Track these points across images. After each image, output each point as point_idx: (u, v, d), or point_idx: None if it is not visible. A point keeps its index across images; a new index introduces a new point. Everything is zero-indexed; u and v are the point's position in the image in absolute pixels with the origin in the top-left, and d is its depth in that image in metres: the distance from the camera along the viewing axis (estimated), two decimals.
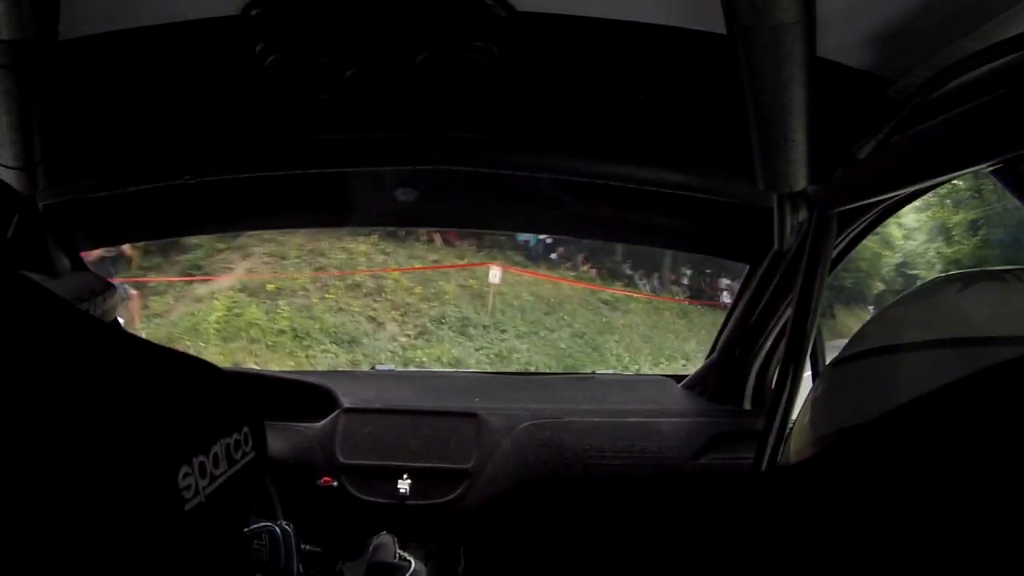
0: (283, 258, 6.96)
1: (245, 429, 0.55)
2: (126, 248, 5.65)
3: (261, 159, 1.17)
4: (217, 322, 6.13)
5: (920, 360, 0.57)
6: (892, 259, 8.83)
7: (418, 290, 7.00)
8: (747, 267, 1.35)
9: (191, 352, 0.64)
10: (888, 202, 0.96)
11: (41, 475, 0.36)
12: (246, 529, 0.77)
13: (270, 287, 6.57)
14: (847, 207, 0.95)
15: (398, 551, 1.01)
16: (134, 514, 0.40)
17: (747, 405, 1.34)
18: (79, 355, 0.45)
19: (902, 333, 0.60)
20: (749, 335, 1.30)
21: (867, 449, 0.46)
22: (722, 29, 0.71)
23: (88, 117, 1.02)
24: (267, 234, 6.43)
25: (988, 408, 0.40)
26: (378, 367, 1.62)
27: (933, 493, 0.41)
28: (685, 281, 8.99)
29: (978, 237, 7.21)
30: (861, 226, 1.06)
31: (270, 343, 6.07)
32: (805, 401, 0.71)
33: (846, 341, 0.67)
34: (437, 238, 7.61)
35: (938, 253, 7.94)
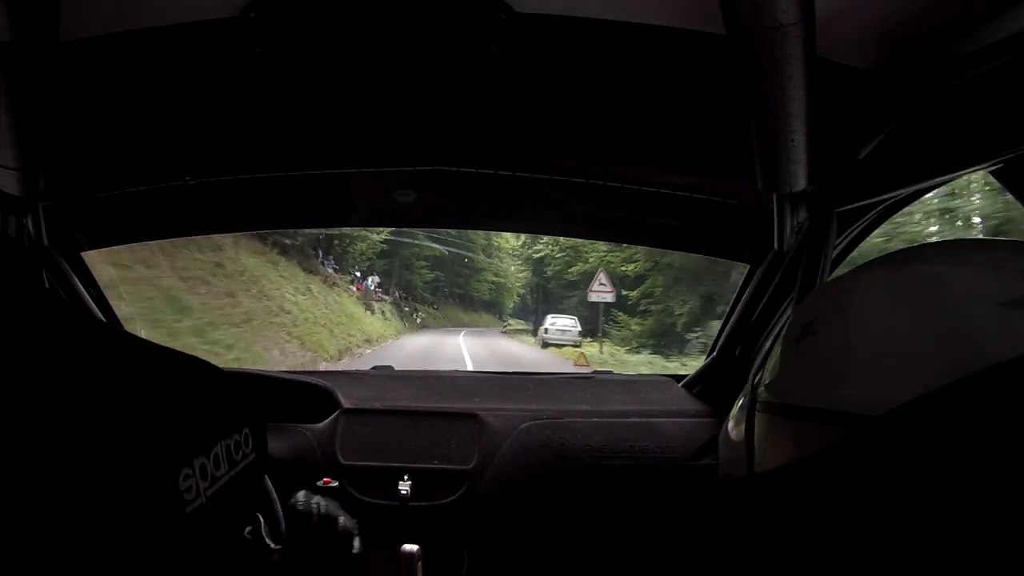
0: None
1: (245, 430, 0.55)
2: None
3: (260, 160, 1.17)
4: None
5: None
6: None
7: None
8: (747, 267, 1.35)
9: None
10: (888, 202, 0.96)
11: (42, 477, 0.36)
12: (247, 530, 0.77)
13: None
14: (847, 207, 0.95)
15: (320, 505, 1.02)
16: (135, 516, 0.40)
17: None
18: (80, 356, 0.45)
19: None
20: (749, 335, 1.30)
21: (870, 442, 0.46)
22: (722, 30, 0.71)
23: (88, 118, 1.02)
24: None
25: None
26: (378, 367, 1.61)
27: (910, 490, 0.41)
28: None
29: None
30: (861, 226, 1.06)
31: None
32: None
33: None
34: None
35: None
